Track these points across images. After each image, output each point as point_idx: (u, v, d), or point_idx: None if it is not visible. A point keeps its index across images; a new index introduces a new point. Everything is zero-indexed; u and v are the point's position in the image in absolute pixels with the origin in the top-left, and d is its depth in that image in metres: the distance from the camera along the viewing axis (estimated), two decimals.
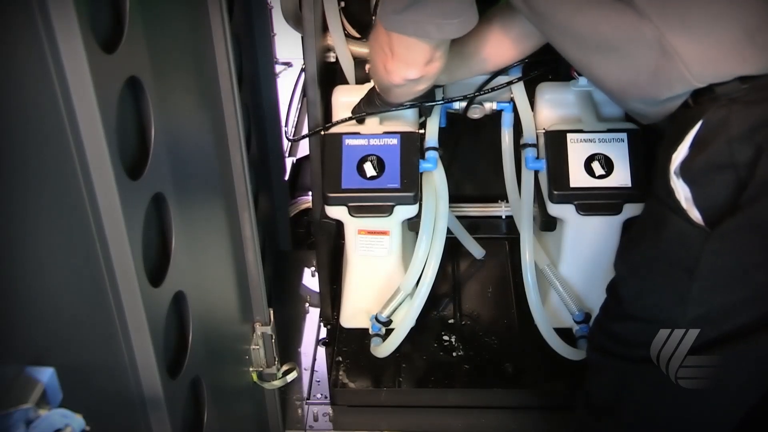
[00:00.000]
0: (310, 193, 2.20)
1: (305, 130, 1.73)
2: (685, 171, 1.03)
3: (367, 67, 1.63)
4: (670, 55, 1.04)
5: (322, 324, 1.94)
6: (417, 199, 1.58)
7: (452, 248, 1.95)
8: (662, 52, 1.04)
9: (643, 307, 1.15)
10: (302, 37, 1.62)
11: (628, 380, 1.21)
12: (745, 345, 1.07)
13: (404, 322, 1.64)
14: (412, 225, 1.64)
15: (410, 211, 1.60)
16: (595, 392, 1.32)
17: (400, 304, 1.68)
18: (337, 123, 1.63)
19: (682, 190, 1.04)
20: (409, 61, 1.26)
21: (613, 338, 1.21)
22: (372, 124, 1.63)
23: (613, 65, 1.13)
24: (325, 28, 1.71)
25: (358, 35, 1.78)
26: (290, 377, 1.53)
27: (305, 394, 1.81)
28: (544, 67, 1.66)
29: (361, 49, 1.76)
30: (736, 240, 1.02)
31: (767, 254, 1.02)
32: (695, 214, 1.02)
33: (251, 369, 1.48)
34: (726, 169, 0.99)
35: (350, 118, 1.62)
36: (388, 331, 1.68)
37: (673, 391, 1.13)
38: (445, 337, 1.82)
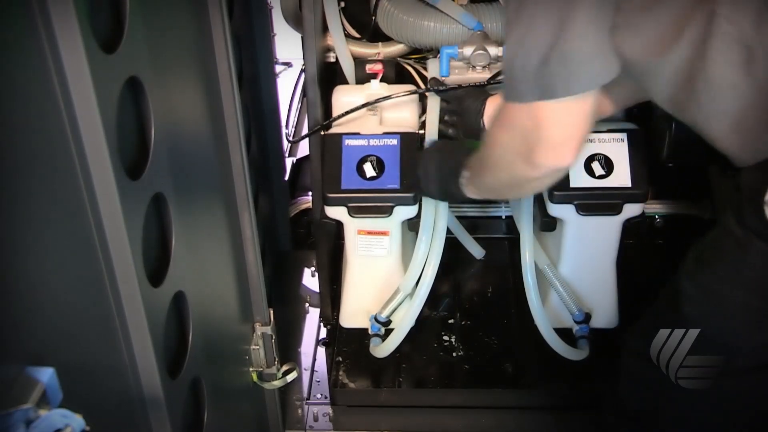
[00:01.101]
0: (310, 193, 2.20)
1: (305, 131, 1.73)
2: None
3: (465, 175, 1.35)
4: None
5: (322, 324, 1.94)
6: (417, 199, 1.58)
7: (452, 248, 1.94)
8: None
9: (708, 326, 1.12)
10: (302, 37, 1.62)
11: (670, 389, 1.19)
12: None
13: (404, 322, 1.64)
14: (412, 225, 1.64)
15: (410, 211, 1.60)
16: (628, 398, 1.30)
17: (400, 304, 1.68)
18: (335, 119, 1.62)
19: None
20: (566, 139, 1.03)
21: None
22: (372, 125, 1.63)
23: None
24: (325, 28, 1.71)
25: (358, 35, 1.78)
26: (290, 377, 1.53)
27: (305, 394, 1.81)
28: None
29: (361, 49, 1.76)
30: None
31: None
32: None
33: (251, 369, 1.48)
34: None
35: (347, 113, 1.62)
36: (388, 331, 1.68)
37: (717, 403, 1.12)
38: (445, 337, 1.82)
